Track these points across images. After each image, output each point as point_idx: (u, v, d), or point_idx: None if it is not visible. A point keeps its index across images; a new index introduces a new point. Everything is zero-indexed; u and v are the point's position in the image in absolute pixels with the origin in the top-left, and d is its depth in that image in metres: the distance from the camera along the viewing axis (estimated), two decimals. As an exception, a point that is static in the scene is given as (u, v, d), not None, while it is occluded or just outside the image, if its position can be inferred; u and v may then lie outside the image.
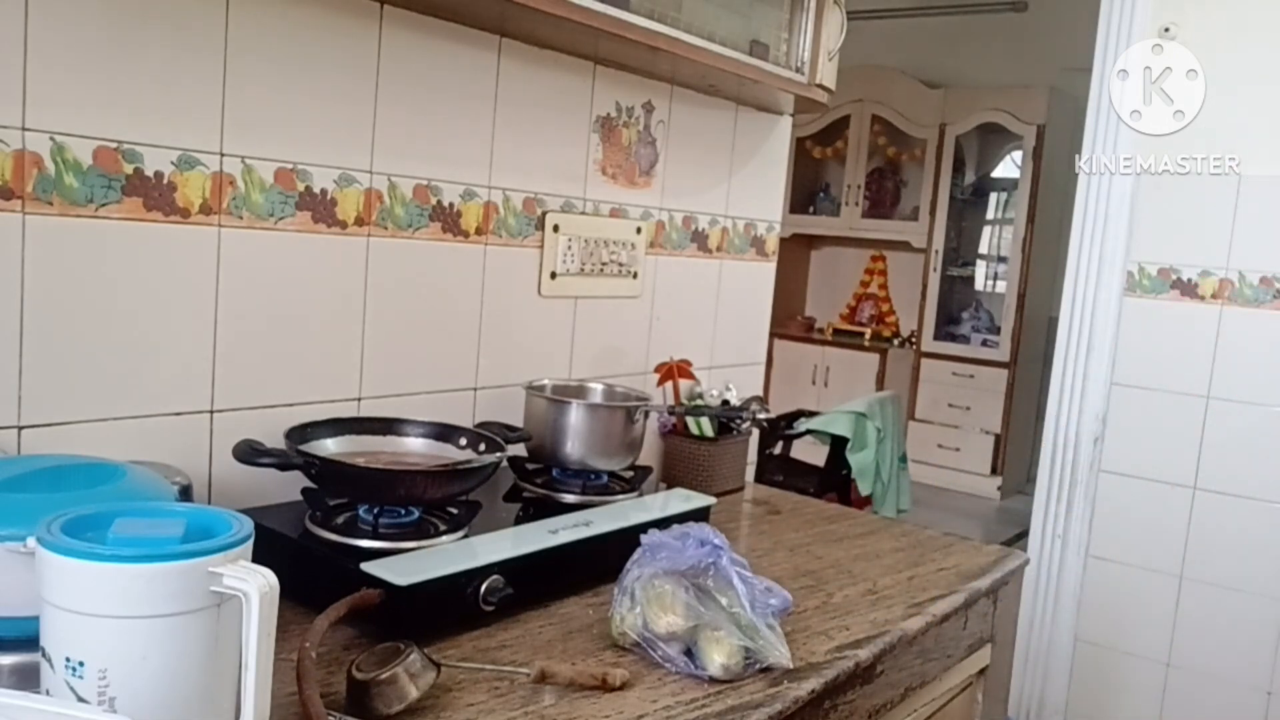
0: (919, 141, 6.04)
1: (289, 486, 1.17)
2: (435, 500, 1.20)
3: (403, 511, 1.18)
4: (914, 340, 6.07)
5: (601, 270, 1.71)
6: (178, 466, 1.11)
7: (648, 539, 1.09)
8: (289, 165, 1.25)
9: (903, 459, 3.97)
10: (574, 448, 1.43)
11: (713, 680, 1.01)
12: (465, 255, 1.49)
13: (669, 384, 1.78)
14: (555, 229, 1.61)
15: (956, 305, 6.20)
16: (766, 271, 2.13)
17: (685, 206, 1.88)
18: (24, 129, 1.02)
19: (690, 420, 1.76)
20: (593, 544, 1.21)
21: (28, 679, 0.74)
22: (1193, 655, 2.53)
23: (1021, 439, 5.89)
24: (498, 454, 1.23)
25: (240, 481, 1.19)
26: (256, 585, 0.68)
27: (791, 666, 1.05)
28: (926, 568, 1.44)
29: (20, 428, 1.05)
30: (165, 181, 1.13)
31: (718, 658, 1.02)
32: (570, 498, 1.40)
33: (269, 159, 1.23)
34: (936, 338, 6.02)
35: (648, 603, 1.04)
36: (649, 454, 1.71)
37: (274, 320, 1.26)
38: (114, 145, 1.09)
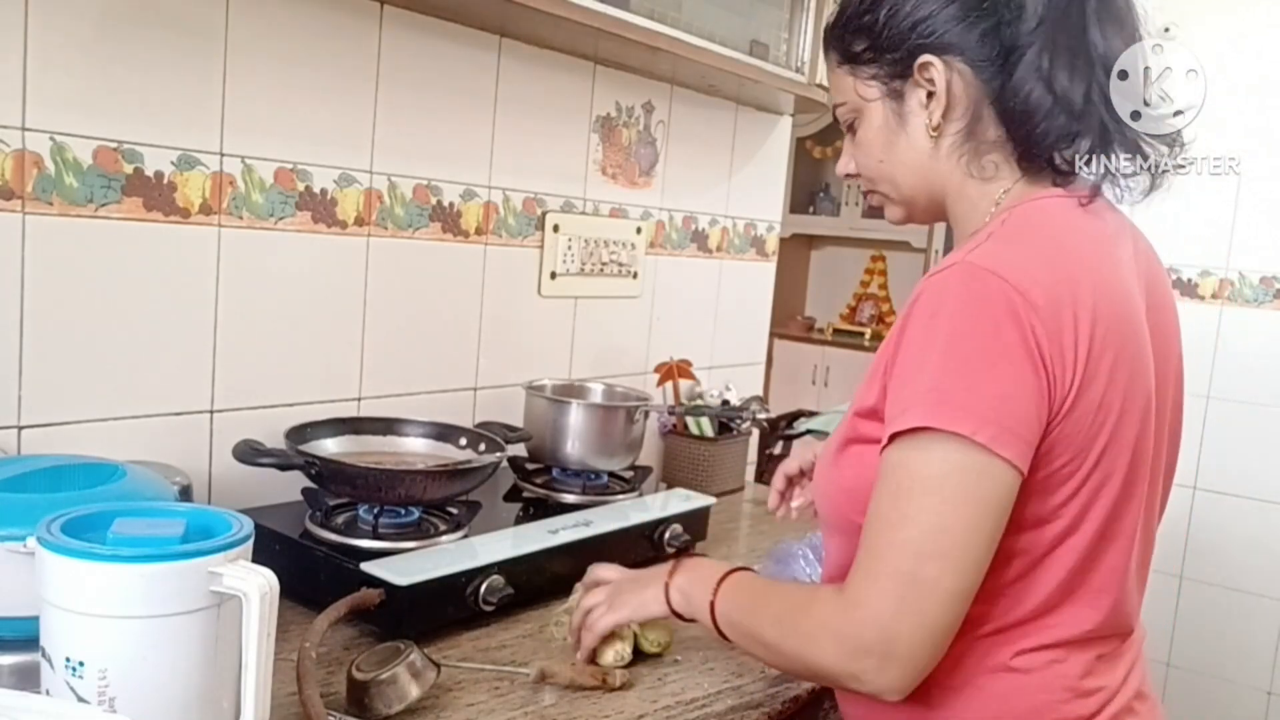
0: (919, 141, 6.02)
1: (289, 486, 1.17)
2: (435, 500, 1.20)
3: (403, 511, 1.18)
4: (914, 340, 6.03)
5: (601, 270, 1.71)
6: (178, 466, 1.11)
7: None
8: (289, 165, 1.25)
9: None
10: (574, 448, 1.43)
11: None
12: (465, 255, 1.48)
13: (669, 384, 1.78)
14: (555, 229, 1.61)
15: (956, 305, 6.17)
16: (766, 271, 2.13)
17: (685, 206, 1.88)
18: (24, 129, 1.02)
19: (690, 420, 1.76)
20: (593, 544, 1.21)
21: (28, 679, 0.74)
22: (1193, 655, 2.53)
23: (1021, 439, 5.87)
24: (498, 454, 1.23)
25: (240, 481, 1.19)
26: (256, 585, 0.68)
27: None
28: (926, 568, 1.44)
29: (20, 428, 1.05)
30: (165, 181, 1.13)
31: None
32: (570, 498, 1.40)
33: (269, 159, 1.23)
34: (936, 338, 5.98)
35: None
36: (649, 454, 1.71)
37: (274, 320, 1.26)
38: (114, 145, 1.09)
